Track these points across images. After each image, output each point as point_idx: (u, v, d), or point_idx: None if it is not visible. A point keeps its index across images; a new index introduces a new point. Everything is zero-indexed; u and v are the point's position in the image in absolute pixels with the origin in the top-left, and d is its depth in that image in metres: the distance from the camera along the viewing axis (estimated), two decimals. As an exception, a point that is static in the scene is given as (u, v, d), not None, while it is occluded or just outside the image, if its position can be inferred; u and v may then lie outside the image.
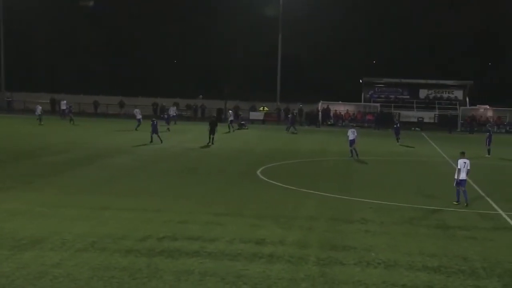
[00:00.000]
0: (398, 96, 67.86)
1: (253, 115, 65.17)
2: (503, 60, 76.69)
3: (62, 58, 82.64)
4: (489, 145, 36.70)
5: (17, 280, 11.43)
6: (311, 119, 63.00)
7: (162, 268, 12.37)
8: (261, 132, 50.86)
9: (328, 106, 65.15)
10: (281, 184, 23.32)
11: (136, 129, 45.34)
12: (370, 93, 68.08)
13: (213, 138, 38.24)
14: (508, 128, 61.04)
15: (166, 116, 51.63)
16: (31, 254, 12.97)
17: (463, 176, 19.84)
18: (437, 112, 64.68)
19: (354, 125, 51.65)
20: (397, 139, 42.74)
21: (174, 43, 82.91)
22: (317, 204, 19.71)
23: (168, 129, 47.35)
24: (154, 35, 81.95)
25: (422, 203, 20.25)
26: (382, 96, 68.19)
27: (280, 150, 36.41)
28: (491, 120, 62.02)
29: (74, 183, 22.15)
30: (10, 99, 66.15)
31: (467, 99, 66.36)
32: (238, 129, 52.61)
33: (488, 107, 64.71)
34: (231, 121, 51.56)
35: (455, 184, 20.07)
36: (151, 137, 37.25)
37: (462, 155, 20.20)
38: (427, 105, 66.23)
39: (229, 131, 48.99)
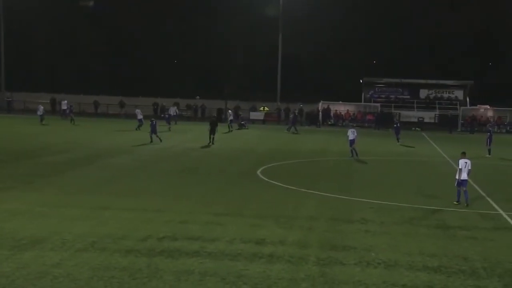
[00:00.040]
0: (398, 96, 67.81)
1: (254, 115, 65.14)
2: (503, 60, 76.68)
3: (62, 58, 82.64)
4: (489, 145, 36.69)
5: (17, 280, 11.42)
6: (312, 119, 62.99)
7: (162, 268, 12.36)
8: (261, 132, 50.86)
9: (328, 106, 65.11)
10: (281, 184, 23.31)
11: (136, 129, 45.35)
12: (370, 93, 68.04)
13: (213, 138, 38.27)
14: (508, 128, 61.01)
15: (167, 116, 51.67)
16: (31, 254, 12.97)
17: (464, 176, 19.82)
18: (437, 112, 64.65)
19: (354, 125, 51.66)
20: (397, 139, 42.78)
21: (174, 43, 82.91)
22: (317, 204, 19.71)
23: (169, 128, 47.42)
24: (154, 35, 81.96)
25: (422, 203, 20.25)
26: (383, 96, 68.15)
27: (280, 150, 36.40)
28: (492, 120, 61.99)
29: (74, 183, 22.15)
30: (10, 99, 66.10)
31: (468, 99, 66.32)
32: (238, 129, 52.62)
33: (489, 107, 64.65)
34: (230, 120, 51.62)
35: (456, 184, 20.06)
36: (151, 137, 37.26)
37: (463, 155, 20.19)
38: (428, 105, 66.19)
39: (229, 131, 49.03)
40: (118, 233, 14.91)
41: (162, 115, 55.54)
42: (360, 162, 31.83)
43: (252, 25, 76.15)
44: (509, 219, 18.17)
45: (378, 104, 65.30)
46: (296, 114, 56.13)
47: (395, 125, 44.90)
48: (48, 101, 65.90)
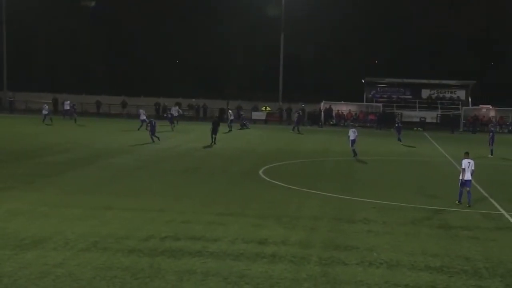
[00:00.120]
0: (400, 96, 67.69)
1: (255, 115, 65.08)
2: (503, 60, 76.61)
3: (63, 58, 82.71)
4: (492, 145, 36.65)
5: (19, 280, 11.43)
6: (314, 119, 62.94)
7: (165, 268, 12.36)
8: (263, 132, 50.82)
9: (330, 106, 65.06)
10: (283, 184, 23.31)
11: (138, 129, 45.34)
12: (372, 93, 67.95)
13: (215, 138, 38.29)
14: (510, 128, 60.90)
15: (169, 115, 51.65)
16: (34, 254, 12.98)
17: (468, 176, 19.78)
18: (439, 112, 64.52)
19: (356, 125, 51.61)
20: (399, 139, 42.81)
21: (175, 43, 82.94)
22: (319, 204, 19.70)
23: (172, 128, 47.44)
24: (154, 35, 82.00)
25: (424, 203, 20.23)
26: (385, 96, 68.04)
27: (282, 150, 36.38)
28: (494, 120, 61.88)
29: (76, 183, 22.15)
30: (12, 99, 66.14)
31: (470, 99, 66.19)
32: (240, 129, 52.60)
33: (491, 107, 64.53)
34: (231, 120, 51.60)
35: (460, 185, 20.01)
36: (151, 137, 37.31)
37: (466, 155, 20.16)
38: (430, 105, 66.06)
39: (229, 131, 49.00)
40: (120, 233, 14.91)
41: (165, 115, 55.50)
42: (362, 162, 31.80)
43: (252, 25, 76.15)
44: (511, 219, 18.15)
45: (380, 104, 65.19)
46: (301, 114, 56.05)
47: (396, 125, 45.12)
48: (50, 101, 65.92)
